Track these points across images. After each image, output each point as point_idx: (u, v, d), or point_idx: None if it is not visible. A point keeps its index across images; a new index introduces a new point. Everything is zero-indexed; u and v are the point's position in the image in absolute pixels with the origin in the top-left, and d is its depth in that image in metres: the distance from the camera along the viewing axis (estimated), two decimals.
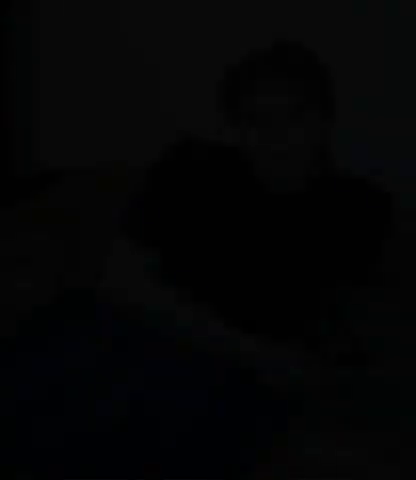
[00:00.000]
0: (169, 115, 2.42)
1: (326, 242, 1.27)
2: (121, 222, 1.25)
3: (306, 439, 1.19)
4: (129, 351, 1.15)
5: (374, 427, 1.22)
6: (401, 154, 2.13)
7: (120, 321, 1.18)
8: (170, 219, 1.23)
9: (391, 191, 1.34)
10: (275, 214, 1.26)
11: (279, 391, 1.19)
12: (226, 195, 1.27)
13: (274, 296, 1.24)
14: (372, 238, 1.34)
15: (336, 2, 2.16)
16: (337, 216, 1.29)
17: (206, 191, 1.25)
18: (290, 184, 1.27)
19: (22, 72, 2.81)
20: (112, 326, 1.18)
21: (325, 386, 1.19)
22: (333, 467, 1.13)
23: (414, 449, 1.17)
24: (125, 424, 1.08)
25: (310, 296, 1.29)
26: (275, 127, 1.18)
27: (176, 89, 2.46)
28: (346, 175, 1.33)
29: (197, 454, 1.09)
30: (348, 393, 1.28)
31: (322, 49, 1.23)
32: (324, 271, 1.29)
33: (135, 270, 1.21)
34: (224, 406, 1.15)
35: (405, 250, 1.60)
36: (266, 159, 1.21)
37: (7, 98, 2.80)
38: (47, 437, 1.06)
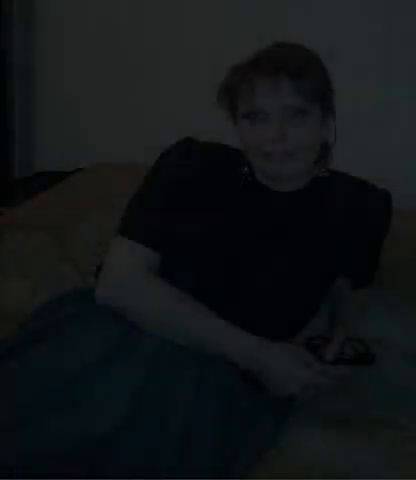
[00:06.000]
0: (169, 115, 2.42)
1: (325, 240, 1.27)
2: (121, 222, 1.25)
3: (306, 439, 1.19)
4: (129, 351, 1.15)
5: (374, 427, 1.22)
6: (401, 153, 2.14)
7: (120, 321, 1.18)
8: (170, 218, 1.23)
9: (391, 191, 1.34)
10: (276, 212, 1.26)
11: (279, 391, 1.18)
12: (226, 194, 1.26)
13: (274, 295, 1.24)
14: (372, 238, 1.34)
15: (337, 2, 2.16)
16: (337, 215, 1.29)
17: (206, 191, 1.25)
18: (290, 183, 1.27)
19: (22, 74, 2.81)
20: (112, 326, 1.18)
21: (325, 386, 1.19)
22: (333, 467, 1.13)
23: (414, 449, 1.17)
24: (125, 424, 1.08)
25: (310, 296, 1.29)
26: (275, 128, 1.18)
27: (176, 89, 2.46)
28: (346, 174, 1.33)
29: (197, 454, 1.09)
30: (348, 393, 1.28)
31: (322, 49, 1.23)
32: (324, 270, 1.29)
33: (135, 270, 1.20)
34: (224, 406, 1.15)
35: (405, 250, 1.60)
36: (266, 159, 1.21)
37: (7, 99, 2.80)
38: (47, 437, 1.06)
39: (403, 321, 1.47)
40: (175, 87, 2.47)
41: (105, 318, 1.19)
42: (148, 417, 1.10)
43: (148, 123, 2.53)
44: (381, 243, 1.37)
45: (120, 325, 1.18)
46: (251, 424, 1.18)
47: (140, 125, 2.56)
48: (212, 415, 1.13)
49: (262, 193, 1.27)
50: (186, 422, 1.10)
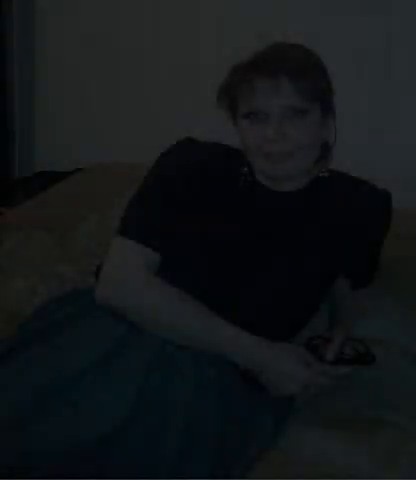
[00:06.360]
0: (169, 115, 2.42)
1: (325, 240, 1.27)
2: (121, 222, 1.25)
3: (306, 439, 1.19)
4: (129, 351, 1.15)
5: (374, 427, 1.22)
6: (401, 153, 2.13)
7: (120, 321, 1.18)
8: (170, 219, 1.23)
9: (391, 191, 1.34)
10: (276, 212, 1.26)
11: (279, 391, 1.18)
12: (226, 194, 1.26)
13: (274, 295, 1.24)
14: (372, 238, 1.34)
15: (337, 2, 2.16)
16: (337, 215, 1.29)
17: (206, 190, 1.25)
18: (290, 183, 1.27)
19: (22, 74, 2.81)
20: (112, 326, 1.18)
21: (325, 386, 1.19)
22: (333, 467, 1.13)
23: (414, 449, 1.17)
24: (125, 424, 1.08)
25: (310, 296, 1.29)
26: (275, 128, 1.18)
27: (176, 89, 2.46)
28: (346, 174, 1.33)
29: (197, 454, 1.09)
30: (348, 393, 1.28)
31: (322, 49, 1.23)
32: (324, 270, 1.29)
33: (135, 270, 1.20)
34: (224, 406, 1.15)
35: (405, 250, 1.60)
36: (266, 159, 1.21)
37: (7, 100, 2.80)
38: (47, 437, 1.06)
39: (403, 321, 1.47)
40: (175, 87, 2.47)
41: (105, 318, 1.19)
42: (148, 417, 1.10)
43: (148, 123, 2.53)
44: (381, 243, 1.37)
45: (120, 325, 1.18)
46: (251, 424, 1.18)
47: (140, 125, 2.55)
48: (212, 415, 1.13)
49: (262, 193, 1.27)
50: (186, 422, 1.10)
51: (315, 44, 1.23)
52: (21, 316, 1.37)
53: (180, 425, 1.10)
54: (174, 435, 1.09)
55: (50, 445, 1.05)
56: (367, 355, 1.19)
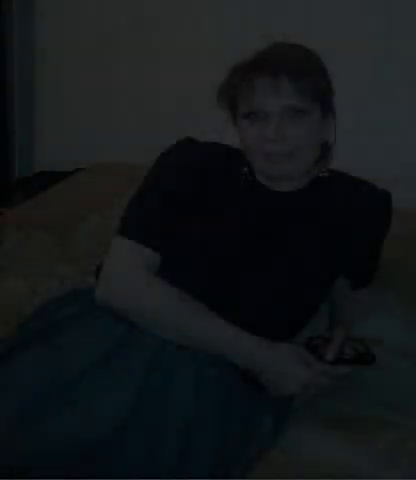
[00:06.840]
0: (169, 115, 2.42)
1: (325, 240, 1.27)
2: (121, 222, 1.25)
3: (306, 439, 1.19)
4: (129, 351, 1.15)
5: (374, 427, 1.22)
6: (401, 153, 2.14)
7: (120, 321, 1.18)
8: (170, 218, 1.23)
9: (391, 191, 1.34)
10: (276, 212, 1.26)
11: (279, 391, 1.18)
12: (226, 194, 1.26)
13: (274, 295, 1.24)
14: (372, 237, 1.34)
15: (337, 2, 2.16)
16: (337, 215, 1.29)
17: (206, 190, 1.25)
18: (290, 183, 1.27)
19: (22, 74, 2.81)
20: (112, 326, 1.18)
21: (325, 386, 1.19)
22: (333, 467, 1.13)
23: (414, 449, 1.17)
24: (125, 424, 1.08)
25: (310, 296, 1.29)
26: (275, 128, 1.18)
27: (176, 89, 2.46)
28: (346, 174, 1.33)
29: (197, 454, 1.09)
30: (348, 393, 1.28)
31: (322, 49, 1.23)
32: (324, 270, 1.29)
33: (135, 270, 1.20)
34: (224, 406, 1.15)
35: (405, 250, 1.60)
36: (266, 159, 1.21)
37: (7, 100, 2.80)
38: (47, 437, 1.06)
39: (403, 321, 1.47)
40: (175, 87, 2.47)
41: (105, 318, 1.19)
42: (148, 417, 1.10)
43: (148, 123, 2.53)
44: (381, 243, 1.37)
45: (120, 325, 1.18)
46: (251, 424, 1.18)
47: (140, 125, 2.55)
48: (212, 415, 1.13)
49: (262, 193, 1.27)
50: (186, 422, 1.10)
51: (316, 45, 1.23)
52: (21, 316, 1.36)
53: (180, 425, 1.10)
54: (174, 435, 1.09)
55: (50, 445, 1.06)
56: (367, 355, 1.19)
